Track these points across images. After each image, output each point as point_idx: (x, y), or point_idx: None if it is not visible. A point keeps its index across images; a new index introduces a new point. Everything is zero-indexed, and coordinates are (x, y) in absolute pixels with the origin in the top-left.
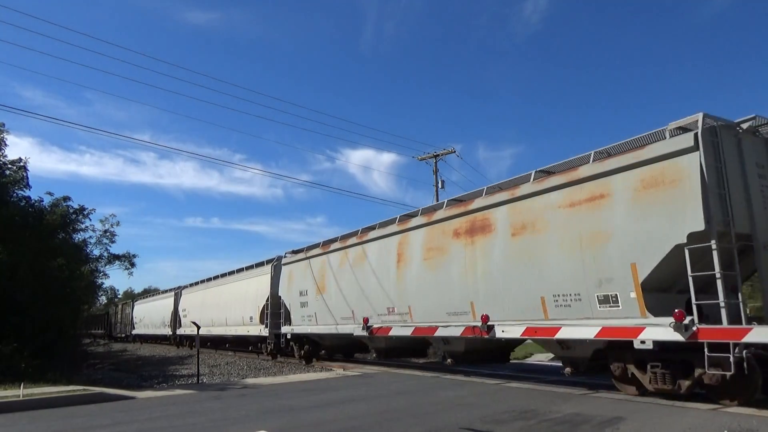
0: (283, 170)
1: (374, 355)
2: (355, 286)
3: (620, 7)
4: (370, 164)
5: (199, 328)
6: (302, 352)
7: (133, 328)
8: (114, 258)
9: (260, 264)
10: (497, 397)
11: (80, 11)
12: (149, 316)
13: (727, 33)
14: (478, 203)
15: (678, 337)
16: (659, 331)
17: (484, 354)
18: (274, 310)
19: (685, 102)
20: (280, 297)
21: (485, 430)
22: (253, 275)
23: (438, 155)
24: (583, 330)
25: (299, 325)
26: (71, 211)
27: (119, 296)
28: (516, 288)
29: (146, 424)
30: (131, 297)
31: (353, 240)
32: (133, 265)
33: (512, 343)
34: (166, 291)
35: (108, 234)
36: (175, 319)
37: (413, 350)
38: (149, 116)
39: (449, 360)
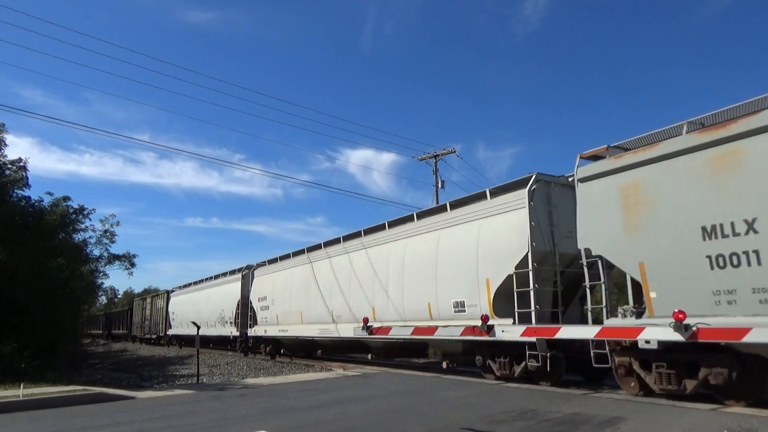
0: (282, 170)
1: None
2: None
3: (620, 7)
4: (370, 164)
5: (199, 328)
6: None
7: (169, 326)
8: (114, 258)
9: (476, 197)
10: (497, 397)
11: (80, 11)
12: (195, 311)
13: (727, 33)
14: None
15: (678, 337)
16: (659, 331)
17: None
18: (544, 285)
19: (686, 102)
20: (588, 252)
21: (485, 430)
22: (456, 220)
23: (438, 155)
24: (582, 330)
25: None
26: (71, 211)
27: (119, 296)
28: None
29: (146, 424)
30: (131, 297)
31: None
32: (133, 265)
33: None
34: (226, 273)
35: (108, 234)
36: (245, 314)
37: None
38: (149, 116)
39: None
